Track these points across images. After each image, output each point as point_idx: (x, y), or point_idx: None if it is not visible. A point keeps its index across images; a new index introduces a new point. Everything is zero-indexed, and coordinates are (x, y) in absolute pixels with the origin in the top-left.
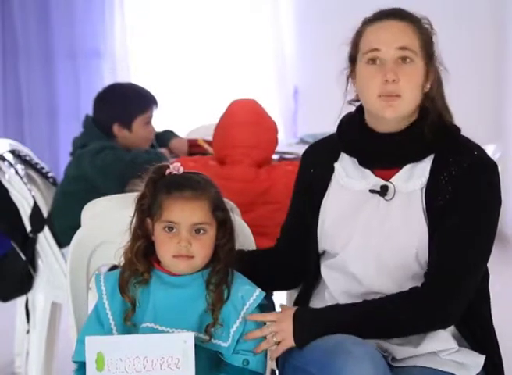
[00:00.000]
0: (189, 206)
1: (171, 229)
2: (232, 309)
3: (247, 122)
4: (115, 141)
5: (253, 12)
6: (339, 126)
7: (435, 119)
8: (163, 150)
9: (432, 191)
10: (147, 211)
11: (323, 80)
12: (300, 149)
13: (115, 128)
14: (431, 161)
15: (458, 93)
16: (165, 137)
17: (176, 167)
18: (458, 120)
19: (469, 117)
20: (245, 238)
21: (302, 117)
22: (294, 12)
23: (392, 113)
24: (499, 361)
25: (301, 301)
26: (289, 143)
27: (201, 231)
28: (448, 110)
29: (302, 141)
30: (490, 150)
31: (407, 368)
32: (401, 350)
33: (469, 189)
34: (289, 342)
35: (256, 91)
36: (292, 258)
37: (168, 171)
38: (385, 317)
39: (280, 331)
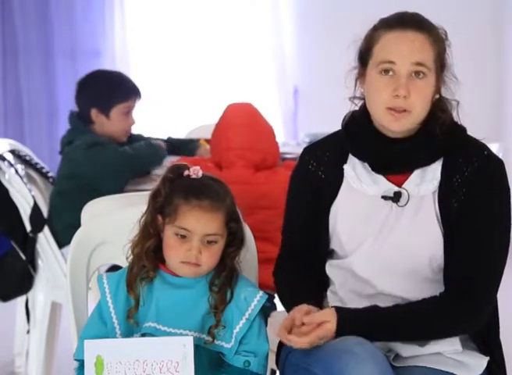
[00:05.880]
0: (205, 217)
1: (183, 236)
2: (236, 310)
3: (240, 124)
4: (93, 128)
5: (252, 11)
6: (346, 127)
7: (445, 122)
8: (160, 142)
9: (445, 194)
10: (159, 208)
11: (323, 80)
12: (301, 149)
13: (93, 113)
14: (441, 163)
15: (459, 92)
16: (191, 147)
17: (195, 171)
18: (459, 120)
19: (470, 116)
20: (247, 242)
21: (302, 117)
22: (294, 11)
23: (398, 128)
24: (502, 364)
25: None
26: (289, 143)
27: (213, 242)
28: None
29: (302, 141)
30: (493, 149)
31: (409, 368)
32: (406, 348)
33: (484, 190)
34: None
35: (256, 90)
36: (305, 263)
37: (186, 173)
38: (423, 321)
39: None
